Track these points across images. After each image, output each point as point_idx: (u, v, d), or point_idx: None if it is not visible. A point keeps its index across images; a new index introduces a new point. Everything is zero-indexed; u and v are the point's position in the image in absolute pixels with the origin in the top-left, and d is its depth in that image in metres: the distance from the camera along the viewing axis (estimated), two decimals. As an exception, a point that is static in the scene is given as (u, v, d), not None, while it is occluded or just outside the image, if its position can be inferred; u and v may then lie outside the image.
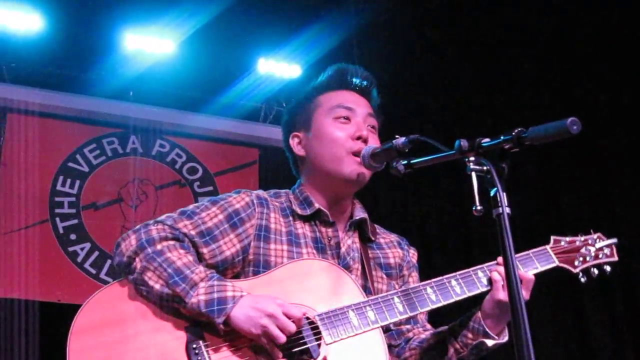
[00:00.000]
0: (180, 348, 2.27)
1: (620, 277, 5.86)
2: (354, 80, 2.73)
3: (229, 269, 2.48)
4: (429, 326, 2.75)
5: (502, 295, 2.44)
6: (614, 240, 2.81)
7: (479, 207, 1.93)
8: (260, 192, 2.63)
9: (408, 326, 2.72)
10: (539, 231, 5.88)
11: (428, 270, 2.89)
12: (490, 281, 2.50)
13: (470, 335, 2.53)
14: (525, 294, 2.46)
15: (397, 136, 2.41)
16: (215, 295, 2.25)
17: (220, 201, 2.54)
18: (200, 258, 2.43)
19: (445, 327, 2.64)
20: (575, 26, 6.15)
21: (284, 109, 2.93)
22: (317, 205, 2.59)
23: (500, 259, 2.50)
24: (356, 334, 2.33)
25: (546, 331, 6.10)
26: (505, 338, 2.53)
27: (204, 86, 6.28)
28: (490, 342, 2.50)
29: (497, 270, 2.49)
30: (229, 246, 2.46)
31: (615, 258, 2.79)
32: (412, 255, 2.82)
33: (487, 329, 2.49)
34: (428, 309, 2.48)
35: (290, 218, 2.59)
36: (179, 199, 6.20)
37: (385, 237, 2.80)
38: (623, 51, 6.02)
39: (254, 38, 6.18)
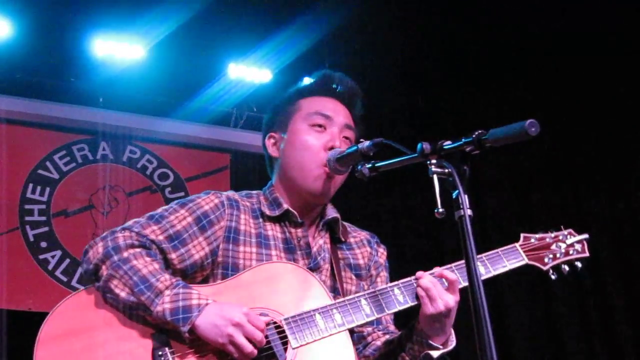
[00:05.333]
0: (146, 355, 2.26)
1: (590, 272, 5.92)
2: (338, 87, 2.71)
3: (198, 272, 2.48)
4: (392, 328, 2.74)
5: (431, 309, 2.40)
6: (585, 236, 2.79)
7: (441, 210, 1.95)
8: (231, 193, 2.62)
9: (369, 329, 2.70)
10: (509, 229, 6.00)
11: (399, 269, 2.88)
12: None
13: (416, 347, 2.51)
14: (454, 296, 2.42)
15: (361, 140, 2.43)
16: (180, 304, 2.24)
17: (188, 203, 2.52)
18: (168, 264, 2.42)
19: (396, 335, 2.62)
20: (541, 27, 6.21)
21: (267, 107, 2.88)
22: (285, 206, 2.58)
23: (418, 274, 2.48)
24: (323, 337, 2.34)
25: (519, 328, 6.16)
26: (451, 345, 2.50)
27: (174, 91, 6.25)
28: (435, 353, 2.47)
29: (420, 286, 2.43)
30: (198, 249, 2.45)
31: (587, 254, 2.76)
32: (381, 254, 2.80)
33: (430, 341, 2.47)
34: (395, 310, 2.48)
35: (260, 219, 2.59)
36: (150, 205, 6.13)
37: (356, 236, 2.78)
38: (594, 49, 6.08)
39: (224, 43, 6.17)
